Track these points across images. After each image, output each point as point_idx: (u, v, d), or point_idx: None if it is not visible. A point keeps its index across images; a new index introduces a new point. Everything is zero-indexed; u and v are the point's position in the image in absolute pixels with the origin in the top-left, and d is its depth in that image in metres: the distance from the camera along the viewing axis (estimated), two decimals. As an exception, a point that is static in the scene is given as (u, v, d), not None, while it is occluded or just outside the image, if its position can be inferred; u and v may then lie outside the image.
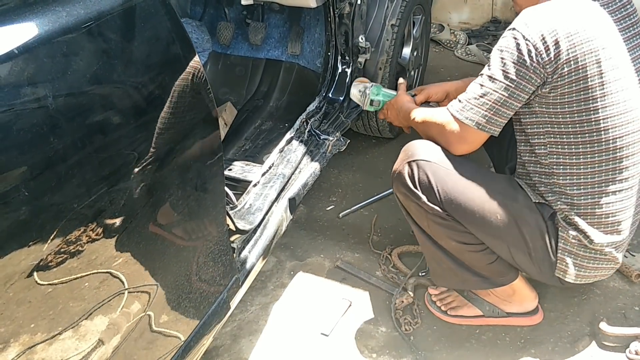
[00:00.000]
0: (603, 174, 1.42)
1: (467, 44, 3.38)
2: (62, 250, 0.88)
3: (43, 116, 0.83)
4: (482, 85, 1.40)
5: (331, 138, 2.08)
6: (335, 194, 2.37)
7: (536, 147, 1.46)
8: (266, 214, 1.75)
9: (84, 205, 0.90)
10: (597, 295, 1.83)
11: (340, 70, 2.20)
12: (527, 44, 1.33)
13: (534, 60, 1.33)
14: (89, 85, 0.92)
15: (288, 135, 2.00)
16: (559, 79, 1.34)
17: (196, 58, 1.11)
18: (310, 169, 1.96)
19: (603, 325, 1.68)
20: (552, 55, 1.32)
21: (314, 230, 2.19)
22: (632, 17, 1.45)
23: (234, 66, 2.53)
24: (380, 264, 2.01)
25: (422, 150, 1.51)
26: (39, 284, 0.86)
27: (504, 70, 1.36)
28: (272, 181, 1.85)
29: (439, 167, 1.48)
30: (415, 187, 1.50)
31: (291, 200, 1.85)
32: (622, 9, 1.44)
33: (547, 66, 1.33)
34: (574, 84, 1.35)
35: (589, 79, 1.34)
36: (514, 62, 1.35)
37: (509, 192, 1.50)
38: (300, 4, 2.09)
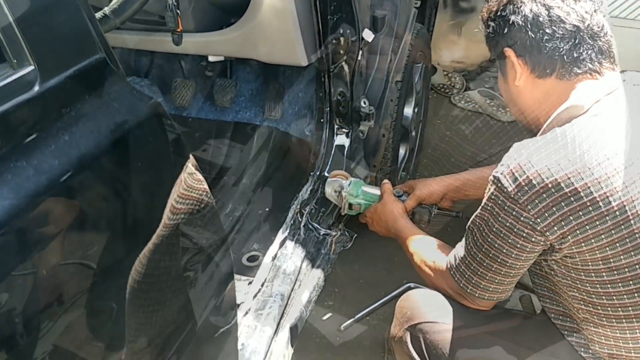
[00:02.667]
0: None
1: (465, 89, 2.96)
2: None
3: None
4: (470, 249, 1.10)
5: (333, 232, 1.63)
6: (332, 295, 1.88)
7: (568, 305, 1.12)
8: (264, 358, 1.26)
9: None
10: None
11: (337, 141, 1.75)
12: (514, 206, 0.98)
13: (527, 225, 0.98)
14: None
15: (281, 235, 1.53)
16: (573, 247, 0.98)
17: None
18: (313, 279, 1.52)
19: None
20: (551, 219, 0.96)
21: (308, 350, 1.68)
22: None
23: (193, 132, 2.01)
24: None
25: (423, 307, 1.21)
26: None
27: (490, 235, 1.04)
28: (269, 306, 1.36)
29: (448, 328, 1.17)
30: (423, 358, 1.20)
31: (293, 330, 1.38)
32: None
33: (548, 233, 0.97)
34: (597, 251, 0.98)
35: (615, 244, 0.97)
36: (501, 225, 1.01)
37: (545, 344, 1.15)
38: (287, 63, 1.64)
